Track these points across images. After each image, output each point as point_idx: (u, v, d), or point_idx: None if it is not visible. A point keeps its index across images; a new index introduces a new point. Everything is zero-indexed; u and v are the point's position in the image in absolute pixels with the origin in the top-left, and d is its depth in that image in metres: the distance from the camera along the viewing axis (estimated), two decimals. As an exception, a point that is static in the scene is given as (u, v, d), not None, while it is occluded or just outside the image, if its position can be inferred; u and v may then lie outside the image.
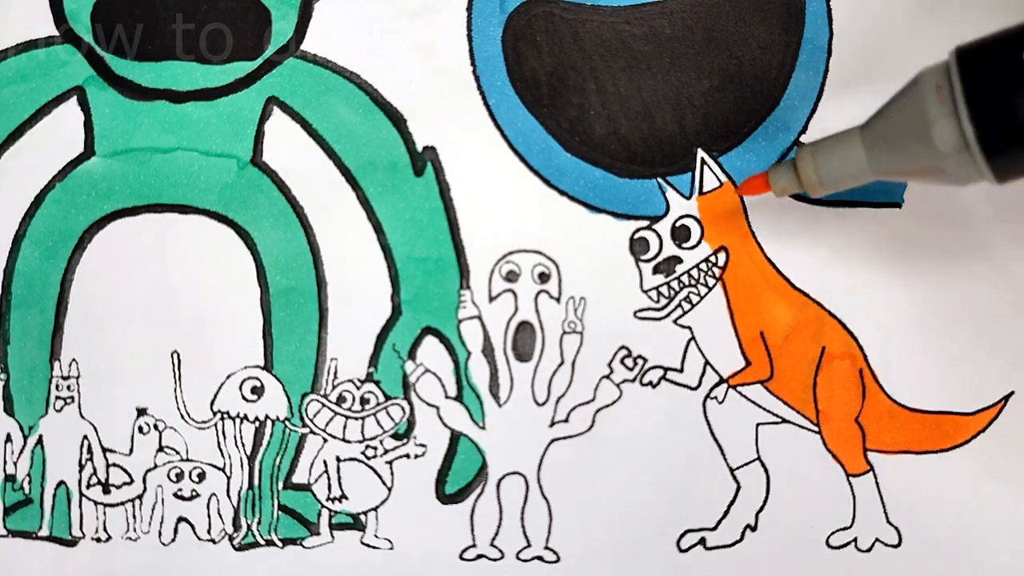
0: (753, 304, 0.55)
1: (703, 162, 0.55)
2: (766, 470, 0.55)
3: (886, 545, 0.55)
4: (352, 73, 0.55)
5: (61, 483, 0.55)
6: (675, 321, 0.55)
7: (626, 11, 0.56)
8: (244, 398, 0.55)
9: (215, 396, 0.55)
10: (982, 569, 0.55)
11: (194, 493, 0.55)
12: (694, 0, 0.56)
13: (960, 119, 0.43)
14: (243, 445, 0.55)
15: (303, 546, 0.55)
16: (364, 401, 0.55)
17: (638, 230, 0.55)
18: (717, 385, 0.55)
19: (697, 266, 0.55)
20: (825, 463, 0.55)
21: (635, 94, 0.55)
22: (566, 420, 0.55)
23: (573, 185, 0.55)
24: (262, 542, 0.55)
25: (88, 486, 0.55)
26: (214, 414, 0.55)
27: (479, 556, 0.55)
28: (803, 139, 0.55)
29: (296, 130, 0.55)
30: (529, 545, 0.55)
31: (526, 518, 0.55)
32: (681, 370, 0.55)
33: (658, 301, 0.55)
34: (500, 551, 0.55)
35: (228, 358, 0.55)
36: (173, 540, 0.55)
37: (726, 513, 0.55)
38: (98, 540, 0.55)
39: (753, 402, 0.55)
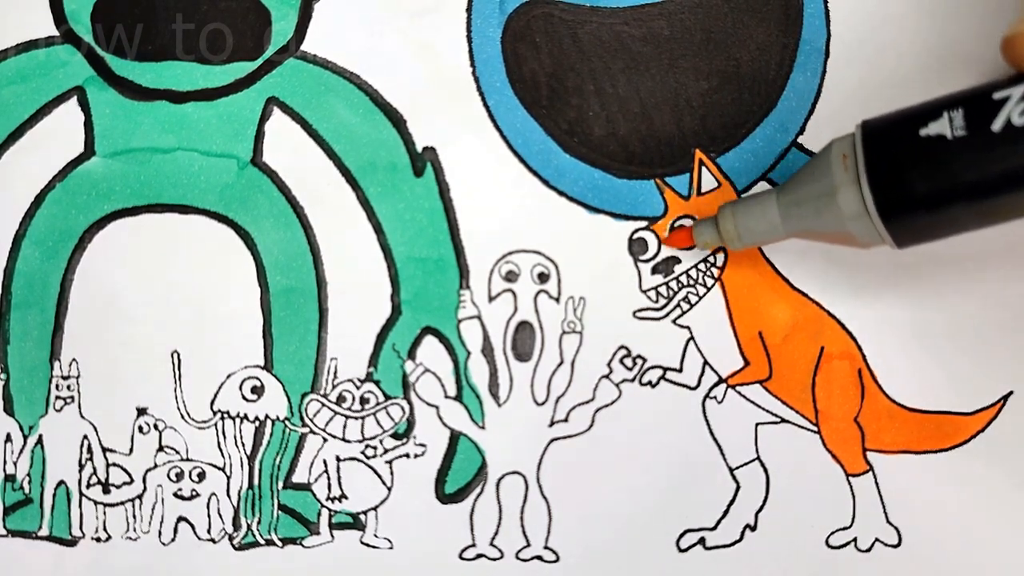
0: (752, 304, 0.55)
1: (701, 163, 0.55)
2: (765, 470, 0.55)
3: (886, 545, 0.55)
4: (352, 73, 0.56)
5: (61, 483, 0.55)
6: (674, 321, 0.55)
7: (625, 12, 0.56)
8: (244, 398, 0.55)
9: (215, 396, 0.55)
10: (982, 569, 0.55)
11: (194, 493, 0.55)
12: (692, 1, 0.56)
13: (861, 187, 0.47)
14: (243, 445, 0.55)
15: (303, 546, 0.55)
16: (364, 401, 0.55)
17: (637, 230, 0.55)
18: (716, 385, 0.55)
19: (696, 266, 0.55)
20: (824, 463, 0.55)
21: (634, 95, 0.56)
22: (565, 420, 0.55)
23: (572, 186, 0.56)
24: (262, 542, 0.55)
25: (88, 486, 0.55)
26: (214, 414, 0.55)
27: (479, 556, 0.55)
28: (800, 140, 0.55)
29: (296, 130, 0.56)
30: (528, 545, 0.55)
31: (525, 518, 0.55)
32: (680, 370, 0.55)
33: (657, 301, 0.55)
34: (500, 551, 0.55)
35: (228, 358, 0.55)
36: (173, 540, 0.55)
37: (725, 513, 0.55)
38: (98, 540, 0.55)
39: (752, 402, 0.55)
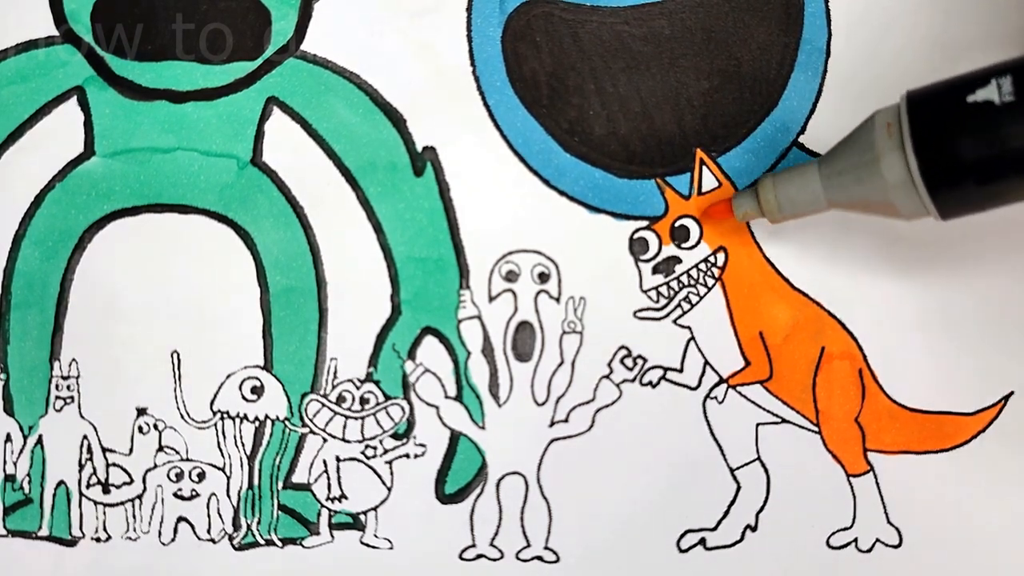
0: (752, 304, 0.55)
1: (702, 162, 0.55)
2: (766, 470, 0.55)
3: (886, 545, 0.55)
4: (352, 73, 0.56)
5: (61, 483, 0.55)
6: (675, 321, 0.55)
7: (625, 12, 0.56)
8: (244, 398, 0.55)
9: (215, 396, 0.55)
10: (982, 569, 0.55)
11: (194, 493, 0.55)
12: (693, 1, 0.56)
13: (906, 153, 0.47)
14: (243, 445, 0.55)
15: (303, 546, 0.55)
16: (364, 401, 0.55)
17: (637, 230, 0.55)
18: (717, 385, 0.55)
19: (696, 266, 0.55)
20: (825, 463, 0.55)
21: (634, 95, 0.56)
22: (566, 420, 0.55)
23: (572, 185, 0.55)
24: (262, 542, 0.55)
25: (88, 486, 0.55)
26: (214, 414, 0.55)
27: (479, 556, 0.55)
28: (802, 139, 0.55)
29: (296, 130, 0.56)
30: (529, 545, 0.55)
31: (526, 518, 0.55)
32: (681, 370, 0.55)
33: (657, 301, 0.55)
34: (500, 551, 0.55)
35: (228, 358, 0.55)
36: (173, 540, 0.55)
37: (726, 513, 0.55)
38: (98, 540, 0.55)
39: (753, 402, 0.55)
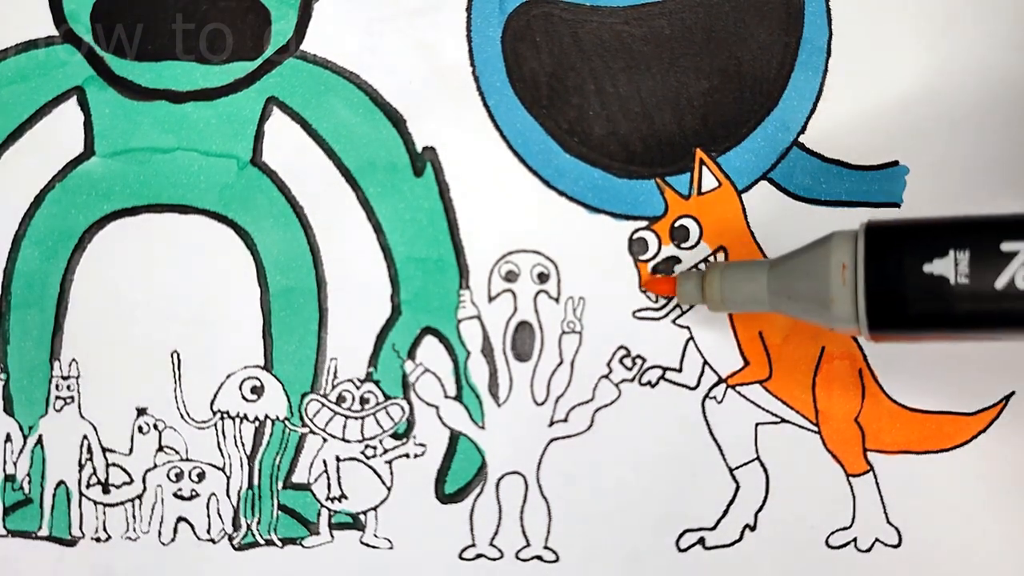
0: (752, 304, 0.55)
1: (702, 162, 0.55)
2: (765, 470, 0.55)
3: (886, 545, 0.55)
4: (352, 73, 0.56)
5: (61, 483, 0.55)
6: (674, 321, 0.55)
7: (625, 11, 0.56)
8: (244, 398, 0.55)
9: (215, 396, 0.55)
10: (982, 569, 0.55)
11: (194, 493, 0.55)
12: (693, 0, 0.56)
13: (857, 305, 0.47)
14: (243, 445, 0.55)
15: (303, 546, 0.55)
16: (364, 401, 0.55)
17: (637, 230, 0.55)
18: (716, 385, 0.55)
19: (696, 266, 0.55)
20: (825, 463, 0.55)
21: (634, 95, 0.56)
22: (565, 420, 0.55)
23: (572, 185, 0.55)
24: (262, 542, 0.55)
25: (88, 486, 0.55)
26: (214, 414, 0.55)
27: (478, 556, 0.55)
28: (802, 139, 0.55)
29: (296, 130, 0.56)
30: (528, 545, 0.55)
31: (525, 518, 0.55)
32: (680, 370, 0.55)
33: (657, 301, 0.55)
34: (499, 551, 0.55)
35: (228, 358, 0.55)
36: (173, 540, 0.55)
37: (725, 513, 0.55)
38: (98, 540, 0.55)
39: (752, 402, 0.55)
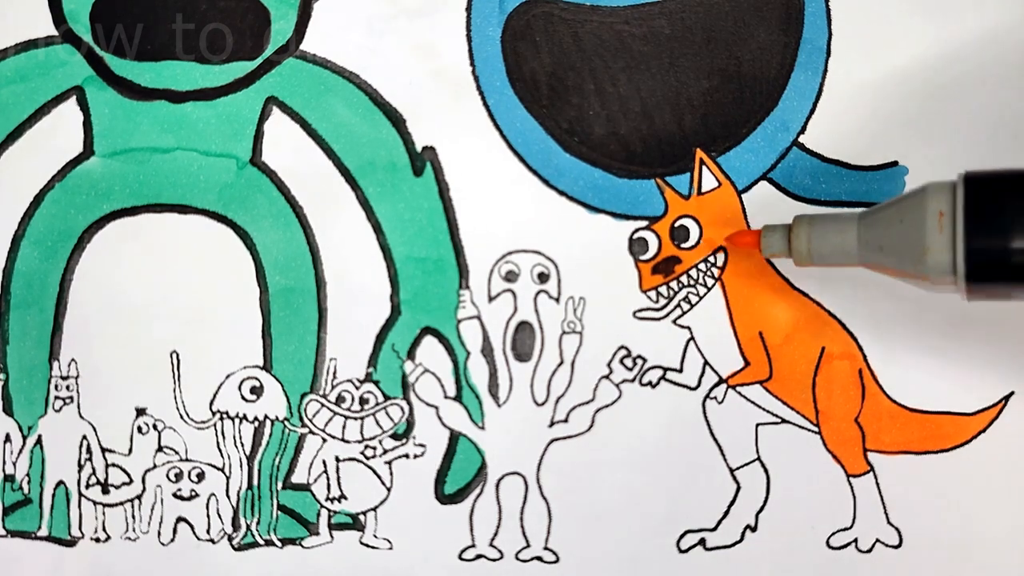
0: (752, 304, 0.55)
1: (702, 162, 0.55)
2: (766, 470, 0.55)
3: (887, 546, 0.55)
4: (351, 73, 0.56)
5: (60, 483, 0.55)
6: (674, 321, 0.55)
7: (625, 11, 0.56)
8: (243, 398, 0.55)
9: (214, 396, 0.55)
10: (982, 569, 0.55)
11: (193, 493, 0.55)
12: (693, 0, 0.56)
13: (955, 254, 0.45)
14: (242, 445, 0.55)
15: (302, 546, 0.55)
16: (363, 401, 0.55)
17: (637, 230, 0.55)
18: (716, 385, 0.55)
19: (696, 266, 0.55)
20: (825, 463, 0.55)
21: (634, 94, 0.56)
22: (565, 420, 0.55)
23: (572, 185, 0.55)
24: (261, 542, 0.55)
25: (87, 486, 0.55)
26: (213, 414, 0.55)
27: (478, 556, 0.55)
28: (802, 139, 0.55)
29: (295, 130, 0.56)
30: (528, 545, 0.55)
31: (525, 518, 0.55)
32: (680, 370, 0.55)
33: (657, 301, 0.55)
34: (499, 551, 0.55)
35: (227, 358, 0.55)
36: (172, 540, 0.55)
37: (726, 513, 0.55)
38: (97, 540, 0.55)
39: (753, 402, 0.55)
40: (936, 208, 0.46)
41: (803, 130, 0.55)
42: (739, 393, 0.55)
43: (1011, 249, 0.44)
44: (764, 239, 0.51)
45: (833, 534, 0.55)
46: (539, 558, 0.55)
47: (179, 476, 0.55)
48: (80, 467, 0.55)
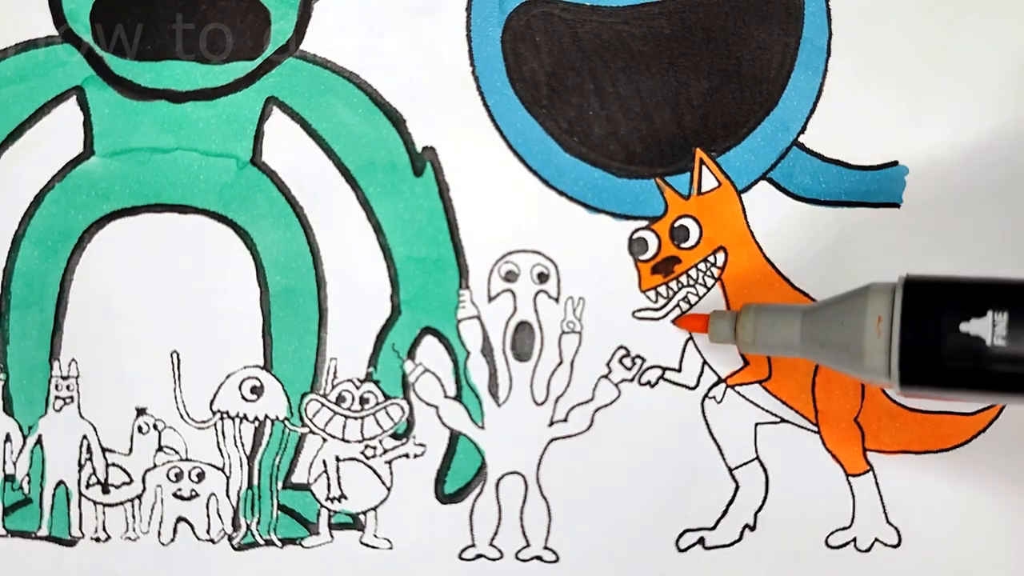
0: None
1: (701, 162, 0.55)
2: (765, 470, 0.55)
3: (886, 545, 0.55)
4: (351, 73, 0.56)
5: (60, 483, 0.55)
6: (673, 321, 0.55)
7: (625, 11, 0.56)
8: (243, 398, 0.55)
9: (214, 396, 0.55)
10: (982, 569, 0.55)
11: (193, 493, 0.55)
12: (693, 1, 0.56)
13: (890, 359, 0.46)
14: (242, 445, 0.55)
15: (302, 546, 0.55)
16: (363, 401, 0.55)
17: (637, 230, 0.55)
18: (715, 385, 0.55)
19: (696, 266, 0.55)
20: (824, 463, 0.55)
21: (634, 94, 0.56)
22: (565, 420, 0.55)
23: (572, 185, 0.55)
24: (261, 542, 0.55)
25: (87, 486, 0.55)
26: (213, 414, 0.55)
27: (478, 556, 0.55)
28: (802, 139, 0.55)
29: (296, 130, 0.56)
30: (528, 545, 0.55)
31: (525, 518, 0.55)
32: (679, 370, 0.55)
33: (656, 301, 0.55)
34: (499, 551, 0.55)
35: (228, 358, 0.55)
36: (172, 540, 0.55)
37: (725, 513, 0.55)
38: (97, 540, 0.55)
39: (752, 402, 0.55)
40: (875, 312, 0.47)
41: (803, 130, 0.56)
42: (738, 393, 0.55)
43: (943, 356, 0.45)
44: (712, 325, 0.52)
45: (832, 533, 0.55)
46: (539, 557, 0.55)
47: (179, 476, 0.55)
48: (80, 467, 0.55)
